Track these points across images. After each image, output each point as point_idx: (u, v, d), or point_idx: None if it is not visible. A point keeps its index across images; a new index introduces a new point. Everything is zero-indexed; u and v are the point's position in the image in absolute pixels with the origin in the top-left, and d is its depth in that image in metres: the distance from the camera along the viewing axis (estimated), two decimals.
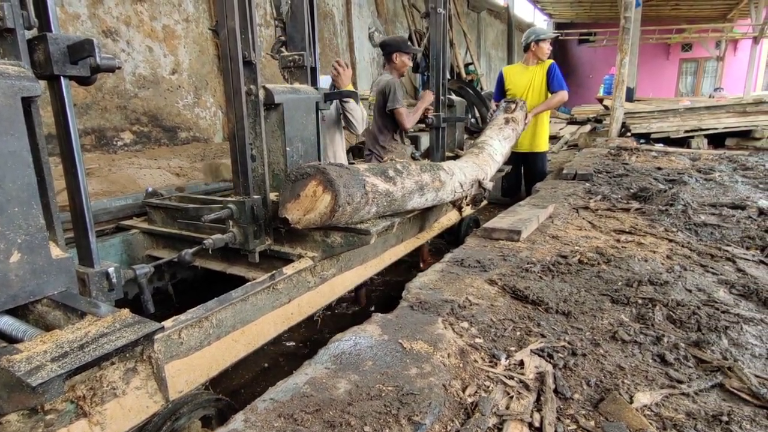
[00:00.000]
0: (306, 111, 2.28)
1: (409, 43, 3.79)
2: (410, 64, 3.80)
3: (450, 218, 3.52)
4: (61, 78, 1.40)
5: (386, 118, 3.64)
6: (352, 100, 2.60)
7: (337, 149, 3.24)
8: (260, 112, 2.10)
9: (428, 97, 3.74)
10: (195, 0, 5.76)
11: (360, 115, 2.87)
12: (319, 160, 2.42)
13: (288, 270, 2.03)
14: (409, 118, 3.64)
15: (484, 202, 3.68)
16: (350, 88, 2.75)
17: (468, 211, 3.63)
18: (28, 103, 1.30)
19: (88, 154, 4.57)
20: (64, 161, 1.52)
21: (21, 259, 1.28)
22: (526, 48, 4.61)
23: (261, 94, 2.09)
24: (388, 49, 3.69)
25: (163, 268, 2.67)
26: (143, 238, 2.83)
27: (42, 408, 1.23)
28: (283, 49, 2.46)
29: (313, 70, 2.42)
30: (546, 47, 4.51)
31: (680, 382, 1.24)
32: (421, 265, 3.93)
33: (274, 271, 2.00)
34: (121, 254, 2.72)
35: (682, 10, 16.68)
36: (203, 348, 1.70)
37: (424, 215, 3.06)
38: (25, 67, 1.29)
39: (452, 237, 4.05)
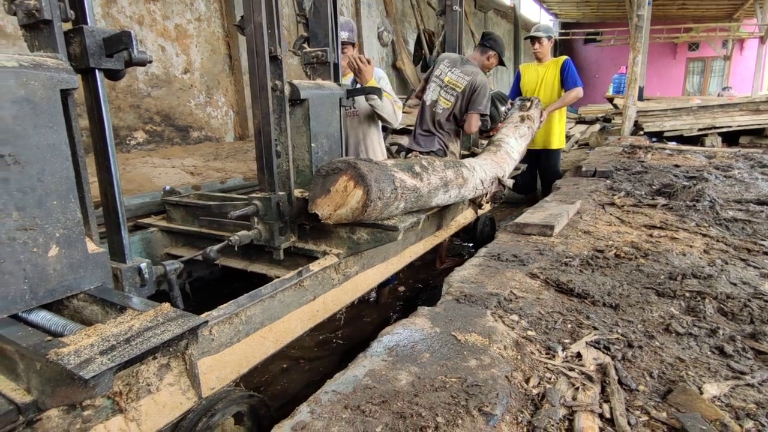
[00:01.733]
0: (330, 107, 2.27)
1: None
2: (491, 68, 3.71)
3: (466, 216, 3.50)
4: (96, 71, 1.39)
5: (463, 111, 3.48)
6: (376, 97, 2.56)
7: (373, 143, 3.13)
8: (285, 108, 2.08)
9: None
10: None
11: (390, 109, 2.83)
12: (342, 155, 2.39)
13: (314, 267, 2.01)
14: (476, 129, 3.54)
15: (502, 200, 3.66)
16: (373, 83, 2.72)
17: (486, 208, 3.61)
18: (65, 96, 1.29)
19: None
20: (97, 156, 1.51)
21: (59, 254, 1.26)
22: None
23: (287, 89, 2.07)
24: (494, 46, 3.59)
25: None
26: (162, 236, 2.82)
27: (80, 404, 1.21)
28: (305, 45, 2.45)
29: (336, 66, 2.40)
30: (535, 45, 4.48)
31: (743, 373, 1.23)
32: (437, 265, 3.91)
33: (301, 268, 1.98)
34: (140, 252, 2.70)
35: (689, 10, 16.60)
36: (233, 344, 1.69)
37: (441, 213, 3.04)
38: (62, 59, 1.28)
39: (468, 236, 4.03)
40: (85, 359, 0.93)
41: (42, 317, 1.23)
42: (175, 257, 2.36)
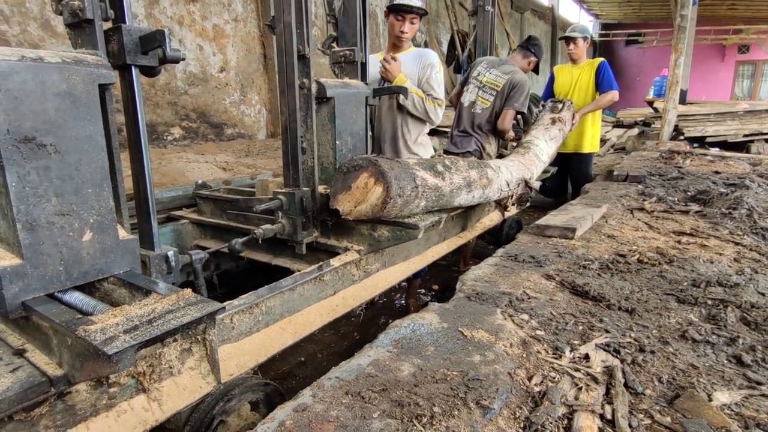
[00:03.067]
0: (356, 105, 2.30)
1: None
2: (529, 70, 3.69)
3: (492, 218, 3.47)
4: (132, 67, 1.47)
5: (501, 110, 3.43)
6: (402, 96, 2.58)
7: (411, 133, 3.06)
8: (312, 106, 2.13)
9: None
10: (244, 0, 5.93)
11: (422, 108, 2.83)
12: (367, 153, 2.42)
13: (335, 262, 2.05)
14: (509, 126, 3.48)
15: (528, 203, 3.61)
16: (401, 80, 2.74)
17: (513, 211, 3.57)
18: (102, 90, 1.37)
19: None
20: (131, 148, 1.59)
21: (92, 239, 1.34)
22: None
23: (313, 87, 2.12)
24: (537, 52, 3.56)
25: (209, 258, 2.75)
26: (192, 228, 2.93)
27: (107, 381, 1.29)
28: (334, 44, 2.49)
29: (364, 65, 2.43)
30: (570, 46, 4.39)
31: (759, 383, 1.19)
32: (461, 267, 3.90)
33: (321, 263, 2.02)
34: (171, 243, 2.81)
35: (739, 10, 15.81)
36: (253, 334, 1.74)
37: (466, 214, 3.03)
38: (101, 56, 1.36)
39: (494, 238, 4.00)
40: (110, 336, 0.99)
41: (75, 297, 1.32)
42: (204, 249, 2.46)
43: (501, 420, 0.93)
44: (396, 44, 2.91)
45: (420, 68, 2.87)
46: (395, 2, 2.75)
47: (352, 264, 2.16)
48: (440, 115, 2.94)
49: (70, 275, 1.31)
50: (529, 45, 3.59)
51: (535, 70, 3.64)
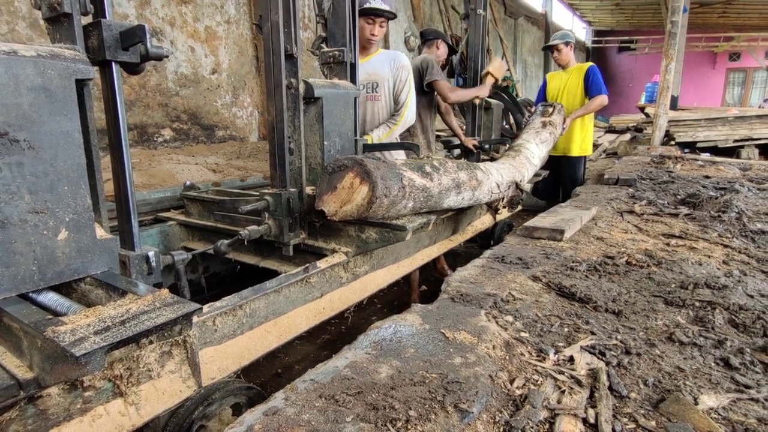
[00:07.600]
0: (344, 106, 2.28)
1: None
2: (444, 56, 3.72)
3: (484, 222, 3.46)
4: (113, 63, 1.44)
5: (421, 100, 3.33)
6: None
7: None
8: (300, 106, 2.11)
9: (487, 85, 3.68)
10: (236, 2, 5.91)
11: (382, 133, 2.90)
12: (356, 154, 2.41)
13: (321, 264, 2.02)
14: (455, 93, 3.40)
15: (519, 207, 3.60)
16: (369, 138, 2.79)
17: (504, 214, 3.56)
18: (81, 86, 1.34)
19: (130, 149, 4.73)
20: (112, 147, 1.56)
21: (68, 238, 1.31)
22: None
23: (301, 87, 2.10)
24: (431, 36, 3.63)
25: (197, 260, 2.71)
26: (180, 230, 2.89)
27: (81, 384, 1.25)
28: (323, 45, 2.48)
29: (353, 65, 2.42)
30: (554, 54, 4.47)
31: (748, 387, 1.17)
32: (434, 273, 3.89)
33: (307, 264, 1.99)
34: (158, 245, 2.77)
35: (730, 18, 16.01)
36: (236, 337, 1.70)
37: (457, 217, 3.01)
38: (79, 50, 1.33)
39: (485, 242, 3.99)
40: (79, 338, 0.96)
41: (49, 298, 1.28)
42: (191, 251, 2.42)
43: (480, 424, 0.90)
44: (365, 47, 2.96)
45: (393, 70, 2.93)
46: (365, 6, 2.82)
47: (339, 266, 2.13)
48: (407, 118, 2.97)
49: (44, 275, 1.27)
50: (425, 38, 3.75)
51: (453, 49, 3.75)
